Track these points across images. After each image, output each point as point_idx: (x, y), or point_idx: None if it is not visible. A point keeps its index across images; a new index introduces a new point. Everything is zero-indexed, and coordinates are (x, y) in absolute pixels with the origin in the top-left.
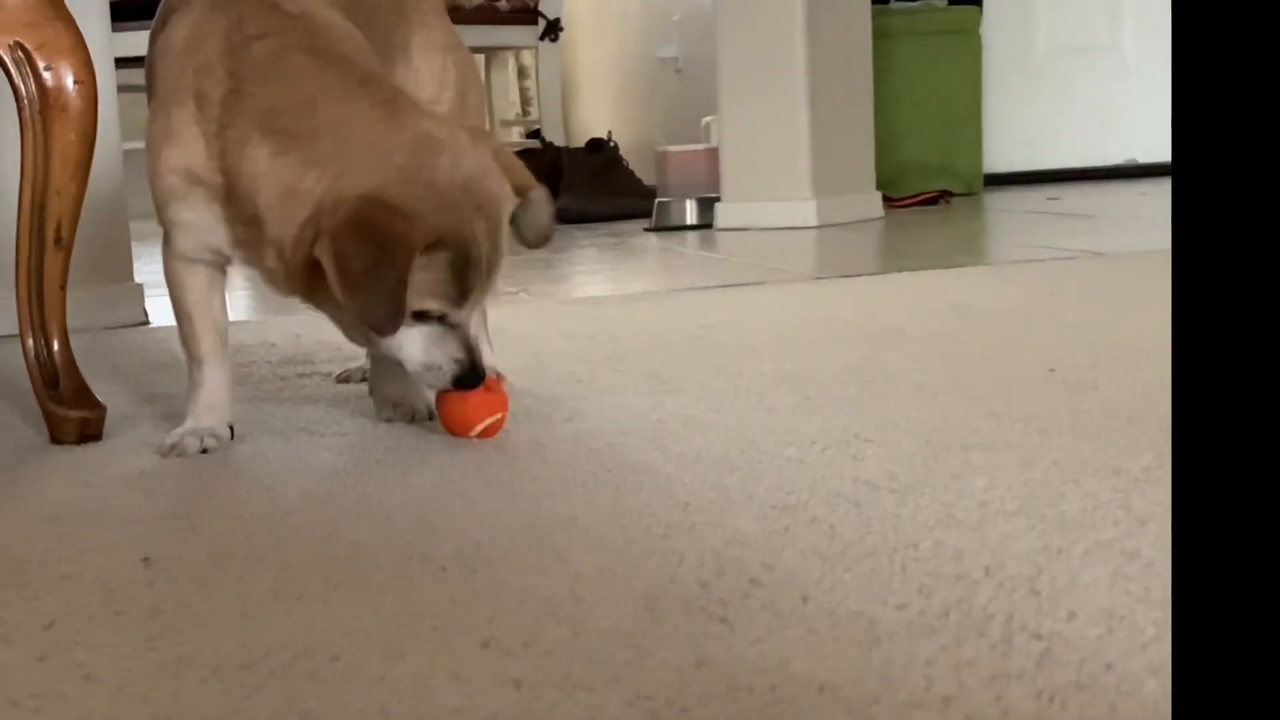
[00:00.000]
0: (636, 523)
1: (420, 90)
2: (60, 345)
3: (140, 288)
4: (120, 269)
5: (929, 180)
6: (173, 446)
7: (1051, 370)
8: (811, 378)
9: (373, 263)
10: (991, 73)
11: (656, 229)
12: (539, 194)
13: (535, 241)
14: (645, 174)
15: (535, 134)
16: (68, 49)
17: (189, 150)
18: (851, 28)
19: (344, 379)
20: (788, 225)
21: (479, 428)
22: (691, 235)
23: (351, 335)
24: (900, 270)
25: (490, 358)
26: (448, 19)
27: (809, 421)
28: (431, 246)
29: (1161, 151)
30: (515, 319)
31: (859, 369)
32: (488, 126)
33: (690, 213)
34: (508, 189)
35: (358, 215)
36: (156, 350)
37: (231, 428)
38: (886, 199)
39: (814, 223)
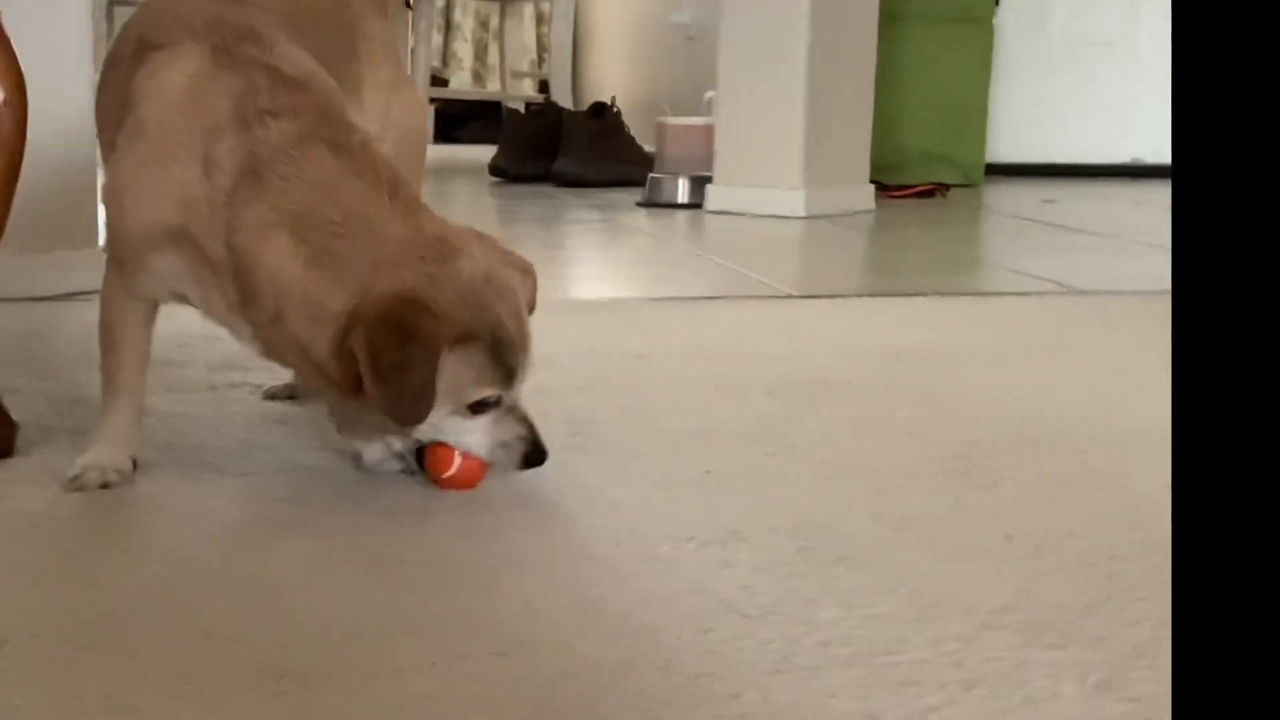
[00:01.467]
0: (481, 635)
1: (366, 124)
2: None
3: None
4: (83, 233)
5: (929, 168)
6: (74, 479)
7: (960, 456)
8: (719, 442)
9: (403, 358)
10: (1005, 62)
11: (648, 204)
12: (531, 276)
13: None
14: (649, 141)
15: (545, 87)
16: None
17: (188, 212)
18: (857, 19)
19: (270, 396)
20: (776, 214)
21: (451, 470)
22: (681, 215)
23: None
24: (863, 295)
25: None
26: (396, 57)
27: (696, 506)
28: (462, 341)
29: (1167, 153)
30: None
31: (767, 434)
32: (423, 165)
33: (682, 191)
34: (514, 271)
35: (392, 312)
36: None
37: (135, 461)
38: (883, 187)
39: (802, 213)
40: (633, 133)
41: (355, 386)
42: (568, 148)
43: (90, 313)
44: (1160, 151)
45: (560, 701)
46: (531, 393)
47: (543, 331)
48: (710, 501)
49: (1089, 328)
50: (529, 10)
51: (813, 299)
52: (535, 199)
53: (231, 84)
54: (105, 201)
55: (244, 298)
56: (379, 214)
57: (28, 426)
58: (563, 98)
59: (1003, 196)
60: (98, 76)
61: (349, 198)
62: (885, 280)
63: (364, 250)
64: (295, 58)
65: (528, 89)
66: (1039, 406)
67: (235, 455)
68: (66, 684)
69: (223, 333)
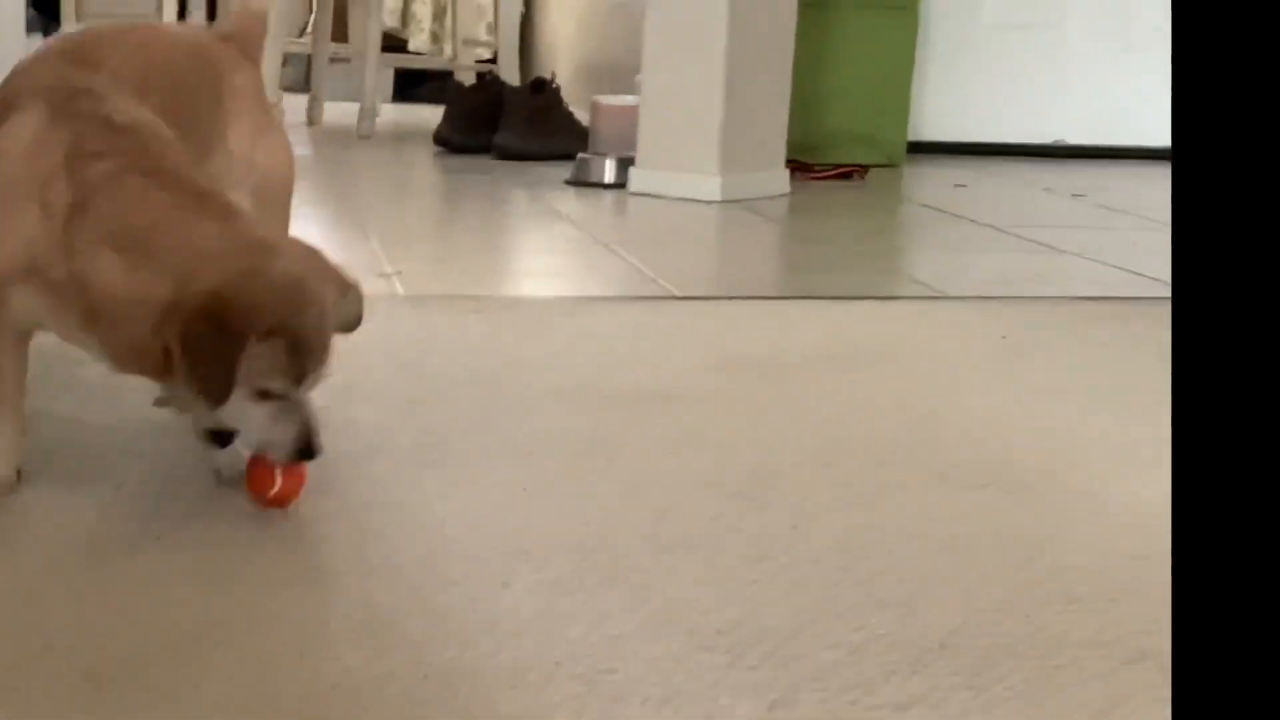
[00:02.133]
0: (276, 646)
1: (233, 172)
2: None
3: None
4: None
5: (853, 148)
6: None
7: (752, 475)
8: (546, 456)
9: (211, 345)
10: (933, 45)
11: (575, 183)
12: (354, 291)
13: (344, 329)
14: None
15: (494, 59)
16: None
17: (33, 250)
18: (777, 8)
19: (160, 402)
20: (693, 197)
21: (271, 493)
22: (606, 196)
23: (195, 409)
24: (740, 297)
25: None
26: (264, 103)
27: (500, 523)
28: (267, 335)
29: (1090, 134)
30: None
31: (591, 449)
32: (289, 205)
33: (609, 171)
34: (331, 286)
35: (203, 306)
36: None
37: (19, 472)
38: (804, 166)
39: (718, 198)
40: (580, 109)
41: (170, 369)
42: (507, 122)
43: None
44: (1083, 132)
45: (327, 712)
46: (398, 401)
47: (424, 335)
48: (514, 519)
49: (945, 336)
50: None
51: (693, 300)
52: (470, 173)
53: (64, 135)
54: None
55: (87, 315)
56: (188, 217)
57: None
58: (509, 72)
59: (920, 178)
60: None
61: (157, 206)
62: (767, 280)
63: (177, 248)
64: (127, 109)
65: (483, 55)
66: (851, 420)
67: (113, 463)
68: None
69: None
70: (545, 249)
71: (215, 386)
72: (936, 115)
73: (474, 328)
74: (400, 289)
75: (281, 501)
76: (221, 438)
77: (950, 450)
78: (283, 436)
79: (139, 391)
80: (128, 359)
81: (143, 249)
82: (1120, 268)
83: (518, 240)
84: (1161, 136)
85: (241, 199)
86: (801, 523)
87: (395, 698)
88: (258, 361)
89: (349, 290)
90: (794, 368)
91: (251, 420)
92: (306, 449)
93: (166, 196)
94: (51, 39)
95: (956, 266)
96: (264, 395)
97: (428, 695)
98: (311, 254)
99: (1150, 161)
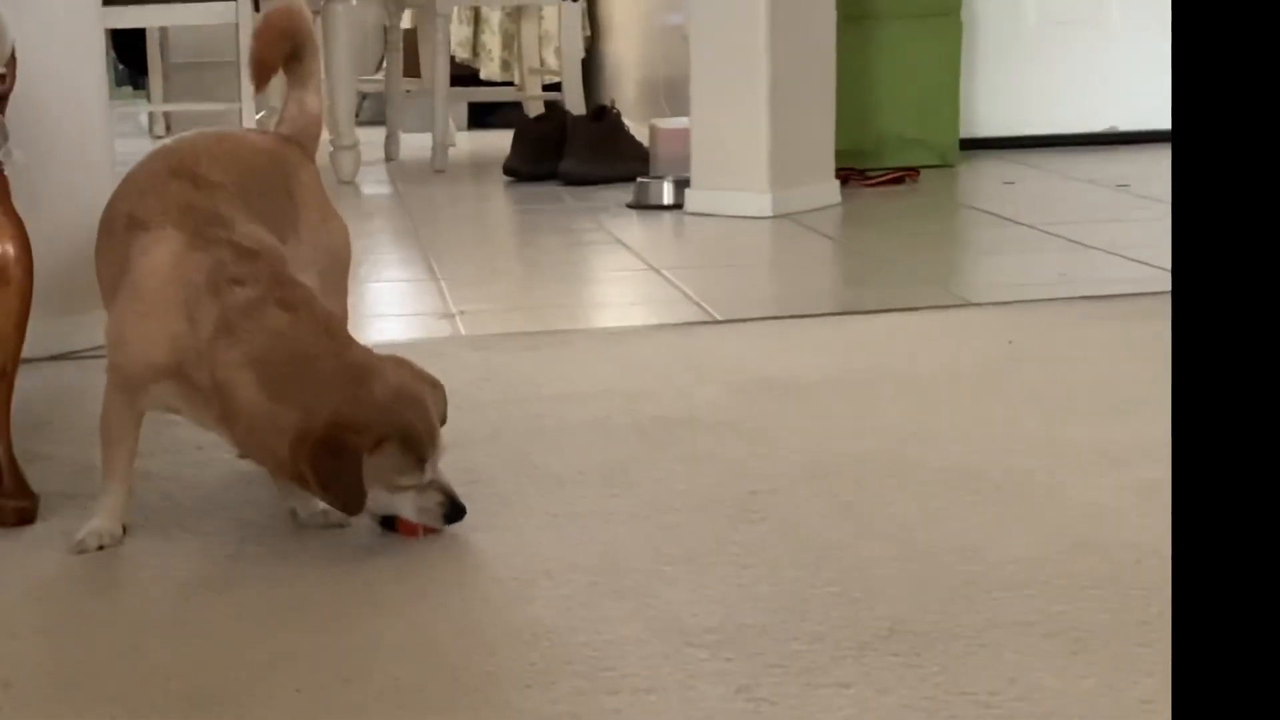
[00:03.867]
0: (334, 666)
1: (303, 254)
2: (4, 449)
3: None
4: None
5: (905, 152)
6: (79, 542)
7: (753, 493)
8: (579, 484)
9: (335, 469)
10: (981, 44)
11: (636, 206)
12: (440, 391)
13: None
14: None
15: (557, 86)
16: (10, 235)
17: (180, 355)
18: (816, 28)
19: (244, 455)
20: (746, 214)
21: (419, 534)
22: (664, 218)
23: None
24: (777, 317)
25: None
26: (324, 194)
27: (531, 548)
28: (380, 444)
29: (1142, 120)
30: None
31: (618, 475)
32: (347, 279)
33: (667, 194)
34: (424, 385)
35: (323, 437)
36: None
37: (125, 527)
38: (857, 173)
39: (769, 213)
40: (645, 128)
41: (307, 485)
42: (571, 149)
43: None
44: (1135, 119)
45: (375, 715)
46: (450, 440)
47: (481, 375)
48: (543, 543)
49: (956, 346)
50: (550, 10)
51: (733, 324)
52: (537, 202)
53: (204, 260)
54: (109, 343)
55: (224, 415)
56: (317, 354)
57: (49, 495)
58: (574, 98)
59: (973, 177)
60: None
61: (294, 344)
62: (803, 297)
63: (306, 383)
64: (251, 232)
65: (552, 80)
66: (846, 438)
67: (202, 515)
68: (52, 715)
69: None
70: (601, 279)
71: (348, 501)
72: (989, 112)
73: (526, 365)
74: (463, 329)
75: (427, 533)
76: (386, 521)
77: (930, 462)
78: (430, 509)
79: (222, 447)
80: (260, 458)
81: (281, 381)
82: (1139, 261)
83: (576, 271)
84: None
85: (311, 278)
86: (788, 533)
87: (430, 701)
88: (381, 466)
89: (437, 389)
90: (807, 388)
91: (399, 507)
92: (451, 515)
93: (302, 333)
94: (154, 151)
95: (987, 271)
96: (399, 488)
97: (457, 697)
98: (402, 364)
99: None
